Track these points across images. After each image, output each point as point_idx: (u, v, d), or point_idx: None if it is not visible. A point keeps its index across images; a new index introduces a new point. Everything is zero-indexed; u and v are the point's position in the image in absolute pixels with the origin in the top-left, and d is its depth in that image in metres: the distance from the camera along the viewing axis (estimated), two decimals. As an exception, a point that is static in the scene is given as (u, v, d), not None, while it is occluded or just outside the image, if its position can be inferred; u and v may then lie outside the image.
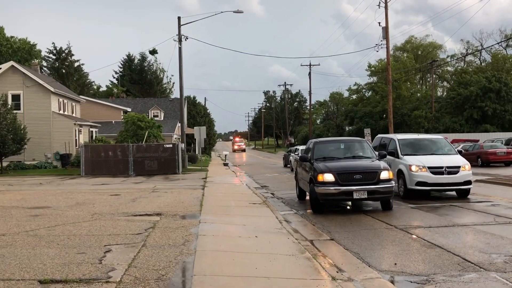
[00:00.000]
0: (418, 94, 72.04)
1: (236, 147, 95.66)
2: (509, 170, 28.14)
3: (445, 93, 73.43)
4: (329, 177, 12.95)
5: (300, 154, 22.19)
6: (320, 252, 8.56)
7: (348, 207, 14.83)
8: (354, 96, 79.48)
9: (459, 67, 74.52)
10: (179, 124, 42.73)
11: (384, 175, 13.01)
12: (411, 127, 59.97)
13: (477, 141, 39.90)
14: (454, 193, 16.27)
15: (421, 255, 8.36)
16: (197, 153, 48.29)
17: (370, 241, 9.61)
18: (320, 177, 13.04)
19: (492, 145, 33.83)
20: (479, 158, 32.43)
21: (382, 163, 13.62)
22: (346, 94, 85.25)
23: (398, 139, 17.31)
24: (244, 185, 22.84)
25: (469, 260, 7.87)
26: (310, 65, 68.35)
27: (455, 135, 48.28)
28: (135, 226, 10.43)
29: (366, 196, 12.83)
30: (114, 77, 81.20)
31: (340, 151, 14.93)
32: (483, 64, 72.31)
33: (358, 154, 14.71)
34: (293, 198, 17.28)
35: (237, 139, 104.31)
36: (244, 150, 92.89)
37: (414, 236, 9.97)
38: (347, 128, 77.10)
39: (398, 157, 16.61)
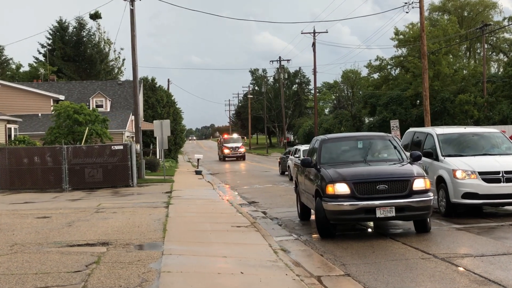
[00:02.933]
0: (464, 72, 72.47)
1: (227, 151, 69.35)
2: None
3: (501, 70, 74.00)
4: (342, 188, 12.99)
5: (302, 157, 22.22)
6: (331, 293, 8.58)
7: (369, 230, 14.87)
8: (375, 76, 79.74)
9: (520, 34, 75.25)
10: (133, 117, 42.62)
11: (418, 184, 13.09)
12: (455, 117, 60.38)
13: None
14: (515, 208, 16.42)
15: (470, 294, 8.42)
16: (158, 157, 48.24)
17: (400, 276, 9.67)
18: (330, 188, 13.08)
19: None
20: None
21: (416, 168, 13.70)
22: (364, 72, 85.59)
23: (437, 134, 17.41)
24: (224, 201, 22.87)
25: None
26: (314, 32, 67.90)
27: (517, 128, 48.65)
28: (72, 261, 10.38)
29: (394, 214, 12.89)
30: (40, 53, 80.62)
31: (356, 152, 15.02)
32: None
33: (382, 156, 14.83)
34: (293, 218, 17.34)
35: (226, 136, 78.47)
36: (243, 157, 69.55)
37: (460, 268, 10.04)
38: (366, 120, 77.39)
39: (437, 159, 16.70)
